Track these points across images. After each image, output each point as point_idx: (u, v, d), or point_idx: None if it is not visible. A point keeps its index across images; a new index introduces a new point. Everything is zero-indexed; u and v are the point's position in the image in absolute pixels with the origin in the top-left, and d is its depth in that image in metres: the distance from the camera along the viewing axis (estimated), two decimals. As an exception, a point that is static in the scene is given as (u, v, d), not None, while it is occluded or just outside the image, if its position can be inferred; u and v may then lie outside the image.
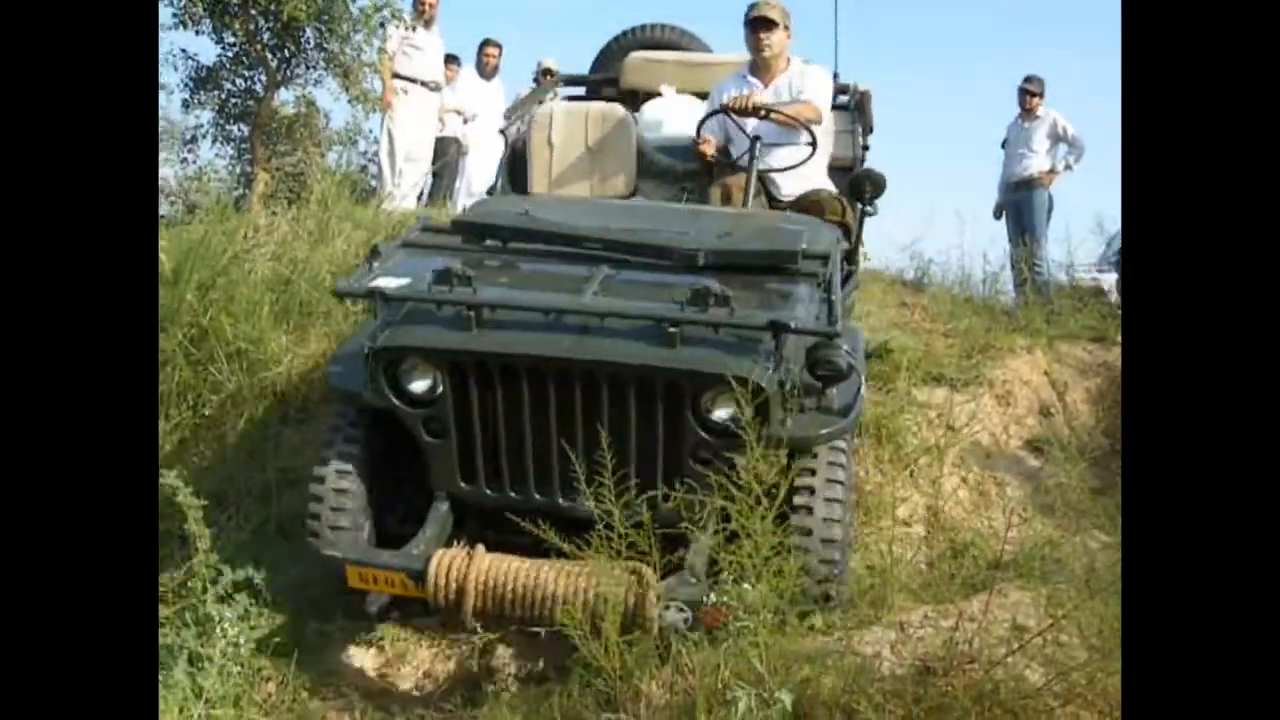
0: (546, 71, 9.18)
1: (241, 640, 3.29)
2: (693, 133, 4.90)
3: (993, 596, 2.98)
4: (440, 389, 3.12)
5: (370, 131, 10.28)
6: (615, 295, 3.17)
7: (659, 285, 3.24)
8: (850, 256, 4.53)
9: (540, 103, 5.54)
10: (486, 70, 9.54)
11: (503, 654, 3.55)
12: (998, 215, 9.32)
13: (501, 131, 5.38)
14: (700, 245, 3.39)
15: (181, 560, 3.86)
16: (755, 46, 4.77)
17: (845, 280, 4.36)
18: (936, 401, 5.12)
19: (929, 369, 5.39)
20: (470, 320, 3.02)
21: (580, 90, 6.32)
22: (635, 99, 5.65)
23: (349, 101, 8.65)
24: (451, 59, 9.33)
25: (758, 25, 4.71)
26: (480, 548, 3.01)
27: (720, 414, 2.95)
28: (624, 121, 5.15)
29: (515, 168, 5.30)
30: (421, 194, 8.59)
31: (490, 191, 5.37)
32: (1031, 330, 6.12)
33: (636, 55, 5.95)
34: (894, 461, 4.60)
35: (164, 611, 3.46)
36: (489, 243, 3.69)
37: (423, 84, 8.53)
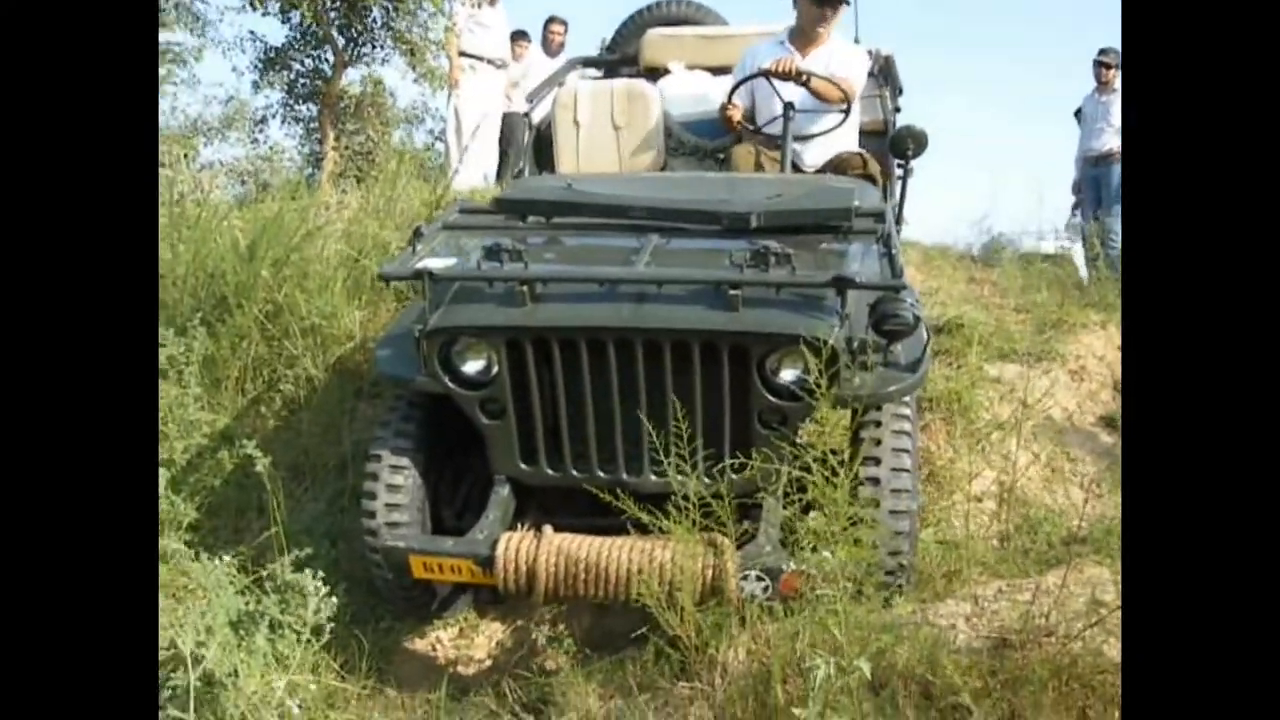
0: (552, 19, 9.15)
1: (319, 608, 3.34)
2: (711, 108, 4.87)
3: (1070, 571, 2.95)
4: (496, 368, 3.05)
5: (436, 109, 10.35)
6: (668, 262, 3.11)
7: (712, 250, 3.17)
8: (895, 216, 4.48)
9: (561, 84, 5.49)
10: (552, 47, 9.52)
11: (575, 626, 3.58)
12: (1076, 191, 9.22)
13: (525, 115, 5.33)
14: (752, 208, 3.32)
15: (260, 530, 3.94)
16: (817, 19, 4.70)
17: None
18: (1008, 377, 5.07)
19: (1000, 344, 5.33)
20: (524, 295, 2.95)
21: (598, 73, 6.27)
22: (654, 76, 5.60)
23: (415, 80, 8.71)
24: (521, 35, 9.34)
25: (829, 3, 4.65)
26: (548, 528, 2.96)
27: (787, 375, 2.87)
28: (650, 98, 5.09)
29: (541, 149, 5.27)
30: (486, 174, 8.65)
31: (518, 174, 5.31)
32: (1105, 305, 6.02)
33: (654, 32, 5.87)
34: (965, 436, 4.56)
35: (243, 580, 3.52)
36: (531, 220, 3.64)
37: (488, 61, 8.57)
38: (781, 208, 3.36)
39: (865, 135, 5.06)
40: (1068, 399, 5.09)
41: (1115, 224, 8.46)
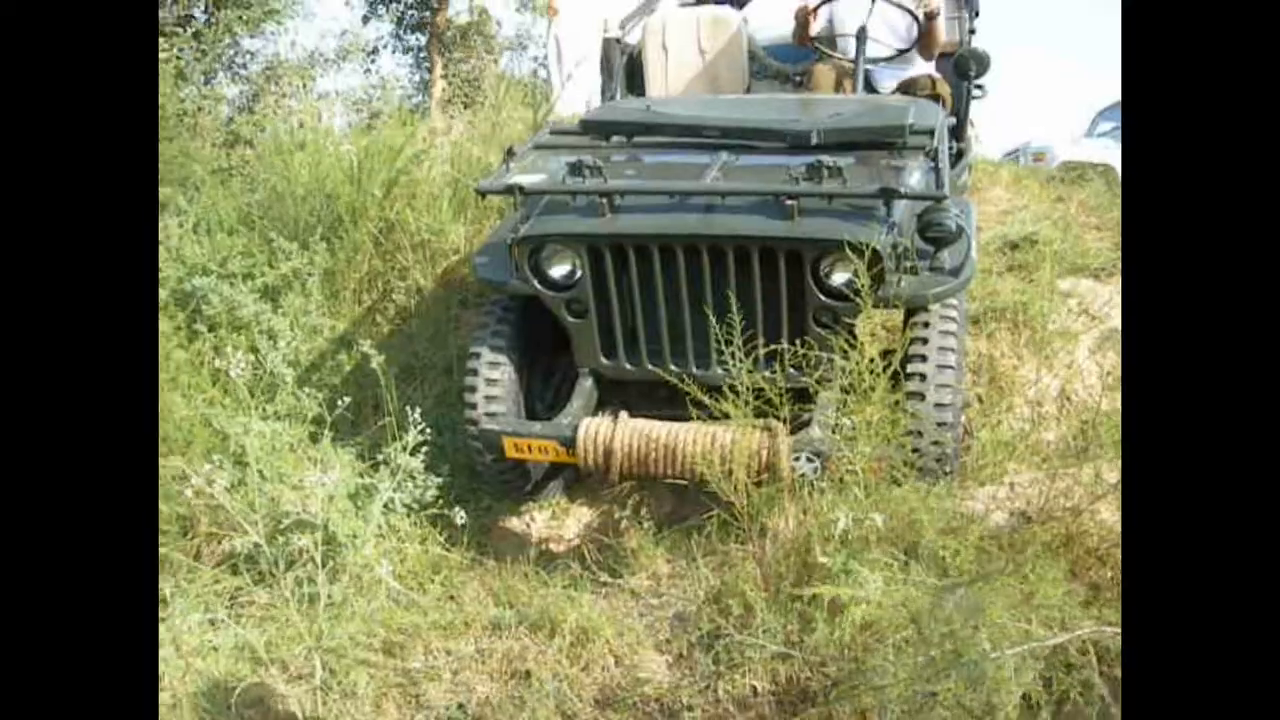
0: None
1: (427, 485, 3.77)
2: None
3: (1106, 463, 3.20)
4: (580, 272, 3.38)
5: (539, 36, 10.63)
6: (736, 177, 3.39)
7: (775, 166, 3.36)
8: (957, 134, 4.65)
9: (652, 10, 5.69)
10: None
11: (654, 509, 3.96)
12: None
13: (618, 40, 5.57)
14: (812, 126, 3.56)
15: (374, 422, 4.40)
16: None
17: (957, 159, 4.53)
18: (1080, 291, 5.25)
19: (1075, 260, 5.50)
20: (603, 207, 3.27)
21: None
22: (744, 3, 5.79)
23: (519, 9, 8.99)
24: None
25: None
26: (624, 414, 3.33)
27: (839, 278, 3.14)
28: (733, 24, 5.29)
29: (633, 75, 5.50)
30: (589, 98, 8.90)
31: (610, 98, 5.54)
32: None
33: None
34: (1030, 345, 4.79)
35: (362, 465, 3.96)
36: (615, 140, 3.95)
37: (587, -11, 8.78)
38: (839, 125, 3.60)
39: (944, 58, 5.23)
40: (1135, 312, 5.25)
41: None
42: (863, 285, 2.95)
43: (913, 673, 2.09)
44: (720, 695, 2.62)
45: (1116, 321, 5.11)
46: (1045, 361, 4.73)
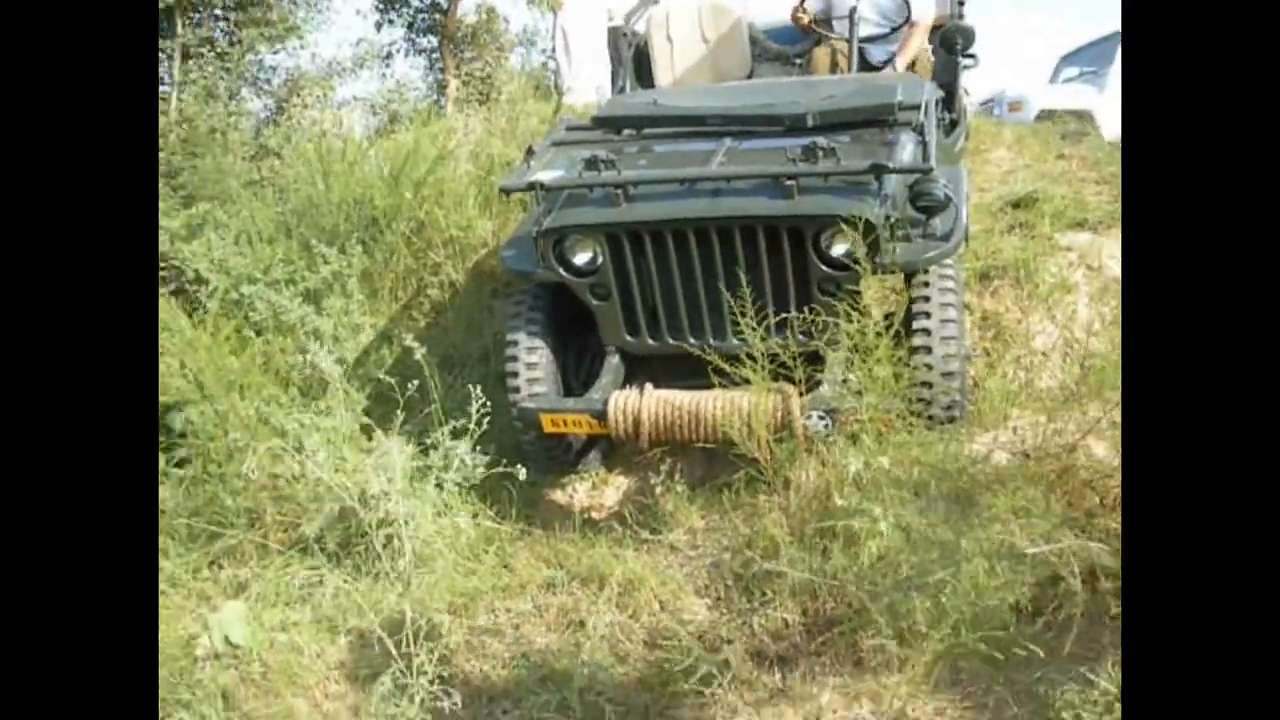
0: None
1: (476, 465, 4.07)
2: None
3: (1108, 405, 3.45)
4: (600, 259, 3.66)
5: (546, 30, 10.91)
6: (739, 161, 3.67)
7: (776, 149, 3.62)
8: (948, 104, 4.90)
9: (655, 2, 5.89)
10: None
11: (688, 474, 4.24)
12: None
13: (624, 33, 5.81)
14: (808, 109, 3.84)
15: (422, 409, 4.70)
16: None
17: (952, 128, 4.79)
18: (1079, 244, 5.50)
19: (1075, 215, 5.74)
20: (619, 197, 3.56)
21: None
22: None
23: (526, 5, 9.27)
24: None
25: None
26: (649, 386, 3.62)
27: (838, 249, 3.42)
28: (733, 10, 5.56)
29: (640, 65, 5.74)
30: (599, 87, 9.16)
31: (620, 90, 5.78)
32: (1182, 170, 6.31)
33: None
34: (1032, 298, 5.05)
35: (413, 450, 4.25)
36: (626, 133, 4.24)
37: (591, -19, 9.04)
38: (833, 107, 3.90)
39: (935, 29, 5.48)
40: (1132, 262, 5.50)
41: None
42: (860, 255, 3.23)
43: (903, 574, 2.38)
44: (755, 628, 2.93)
45: (1115, 271, 5.36)
46: (1049, 313, 4.99)
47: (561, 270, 3.74)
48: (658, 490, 4.08)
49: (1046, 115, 10.06)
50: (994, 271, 5.13)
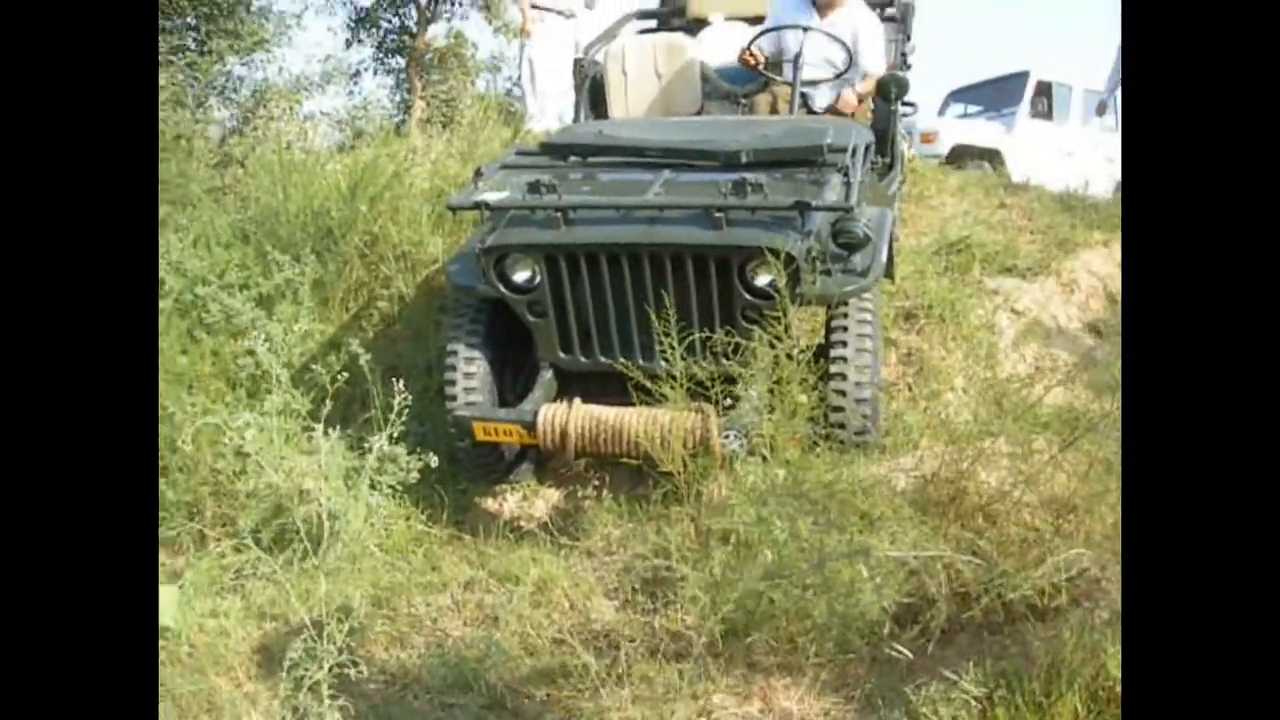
0: None
1: (410, 469, 4.23)
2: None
3: (1006, 438, 3.67)
4: (538, 278, 3.83)
5: (513, 58, 11.15)
6: (675, 193, 3.86)
7: (710, 182, 3.79)
8: (881, 149, 5.15)
9: (614, 37, 6.16)
10: None
11: (616, 490, 4.42)
12: (1100, 112, 9.72)
13: (580, 62, 6.01)
14: (743, 147, 4.04)
15: (361, 412, 4.86)
16: None
17: (887, 171, 5.07)
18: (1006, 289, 5.76)
19: (1005, 261, 6.01)
20: (558, 220, 3.74)
21: (652, 23, 6.89)
22: (701, 27, 6.28)
23: (494, 33, 9.51)
24: None
25: None
26: (578, 400, 3.81)
27: (762, 280, 3.61)
28: (687, 49, 5.77)
29: (596, 97, 5.95)
30: (561, 116, 9.37)
31: (576, 120, 6.00)
32: (1112, 226, 6.60)
33: None
34: (956, 339, 5.28)
35: (350, 459, 4.39)
36: (572, 159, 4.43)
37: (557, 13, 9.25)
38: (765, 145, 4.11)
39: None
40: (1057, 308, 5.77)
41: None
42: (781, 285, 3.44)
43: (794, 580, 2.58)
44: (656, 628, 3.11)
45: (1038, 315, 5.62)
46: (971, 352, 5.23)
47: (501, 287, 3.91)
48: (585, 502, 4.26)
49: (962, 151, 10.32)
50: (920, 311, 5.36)
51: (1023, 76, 11.33)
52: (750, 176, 3.67)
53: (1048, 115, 11.50)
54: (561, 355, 4.00)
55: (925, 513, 3.18)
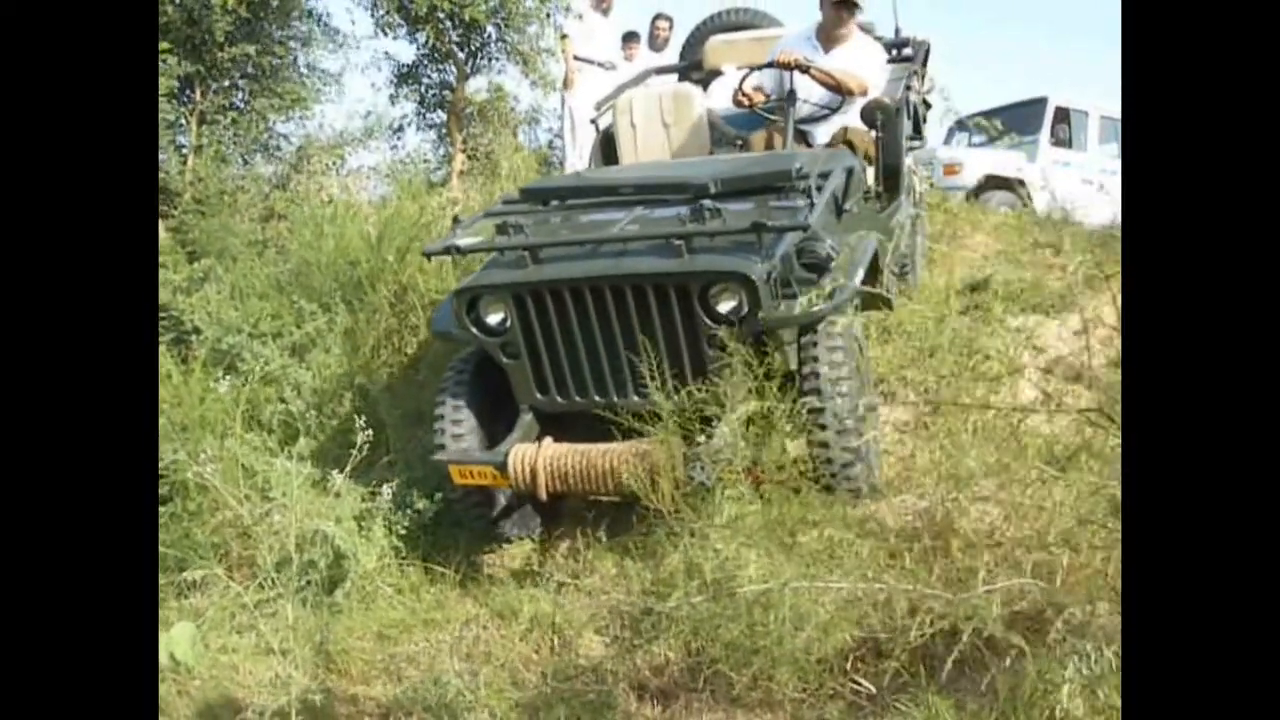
0: (658, 15, 9.93)
1: (425, 511, 4.34)
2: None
3: (1005, 476, 3.68)
4: (509, 319, 3.82)
5: (553, 110, 11.37)
6: (645, 227, 3.84)
7: (679, 215, 3.73)
8: (880, 178, 5.21)
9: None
10: (658, 43, 10.06)
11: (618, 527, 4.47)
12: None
13: (593, 121, 6.12)
14: (711, 178, 4.02)
15: (384, 455, 5.00)
16: (835, 21, 5.40)
17: (891, 200, 5.16)
18: (1028, 326, 5.76)
19: (1030, 299, 6.00)
20: (526, 259, 3.74)
21: (674, 77, 7.01)
22: (716, 78, 6.39)
23: (531, 86, 9.74)
24: (631, 36, 10.02)
25: (845, 6, 5.37)
26: (548, 439, 3.77)
27: (725, 306, 3.56)
28: (693, 98, 5.82)
29: (607, 150, 6.02)
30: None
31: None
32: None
33: (715, 38, 6.71)
34: (975, 376, 5.29)
35: (367, 501, 4.50)
36: (553, 204, 4.49)
37: (598, 64, 9.39)
38: (732, 174, 4.10)
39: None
40: (1079, 343, 5.75)
41: None
42: (745, 311, 3.45)
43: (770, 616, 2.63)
44: (639, 663, 3.17)
45: (1061, 351, 5.61)
46: (991, 390, 5.23)
47: (475, 330, 3.92)
48: (588, 541, 4.34)
49: (991, 182, 10.11)
50: (939, 349, 5.38)
51: (1041, 103, 11.07)
52: (709, 204, 3.65)
53: (1068, 143, 11.21)
54: (539, 397, 3.96)
55: (902, 547, 3.22)
